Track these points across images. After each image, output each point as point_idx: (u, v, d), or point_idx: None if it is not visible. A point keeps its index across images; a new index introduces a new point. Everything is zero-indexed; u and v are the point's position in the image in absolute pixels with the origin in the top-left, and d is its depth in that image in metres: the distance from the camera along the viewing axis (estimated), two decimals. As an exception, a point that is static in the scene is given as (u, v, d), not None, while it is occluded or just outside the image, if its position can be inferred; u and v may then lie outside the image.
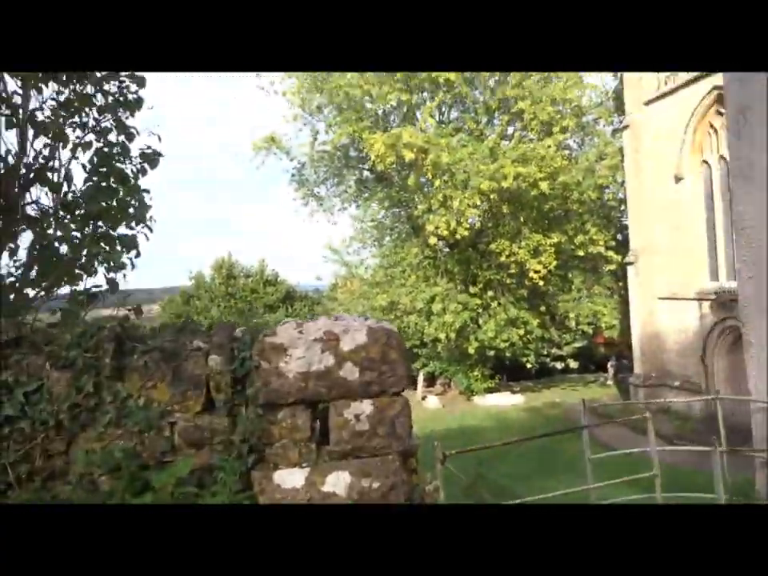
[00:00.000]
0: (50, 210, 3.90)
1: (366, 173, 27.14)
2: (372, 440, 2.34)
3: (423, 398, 26.12)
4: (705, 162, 16.68)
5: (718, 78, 15.51)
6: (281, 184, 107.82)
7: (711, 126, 16.24)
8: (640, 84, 18.55)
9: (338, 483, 2.27)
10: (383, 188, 24.75)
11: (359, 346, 2.39)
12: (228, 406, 2.28)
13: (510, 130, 23.35)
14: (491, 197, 19.45)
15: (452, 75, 20.04)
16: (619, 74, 26.74)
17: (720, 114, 15.92)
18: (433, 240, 20.78)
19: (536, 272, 20.55)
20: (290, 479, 2.25)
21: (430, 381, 32.70)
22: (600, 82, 23.82)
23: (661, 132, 17.83)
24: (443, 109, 24.28)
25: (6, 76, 3.67)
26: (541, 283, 21.47)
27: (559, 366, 25.75)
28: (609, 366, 28.61)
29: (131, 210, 4.14)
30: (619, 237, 25.07)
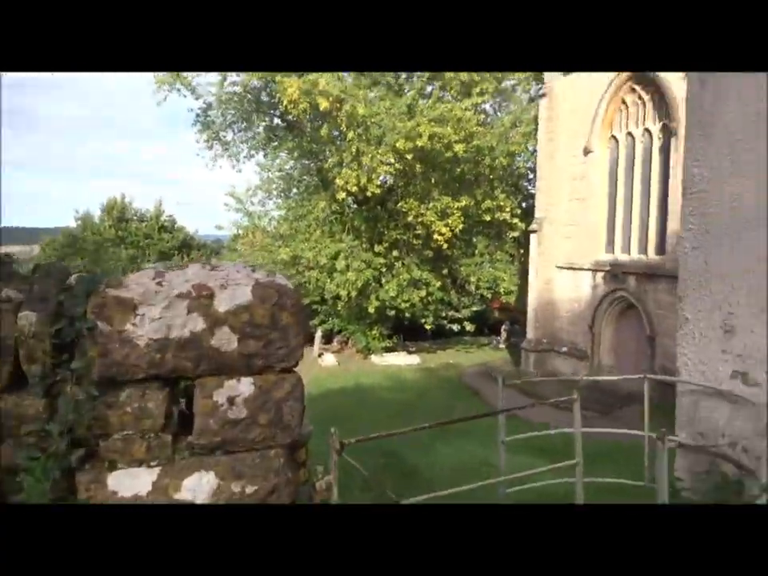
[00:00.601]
0: None
1: (276, 120, 25.71)
2: (250, 431, 1.77)
3: (320, 355, 25.74)
4: (613, 137, 17.01)
5: (632, 55, 15.73)
6: (183, 124, 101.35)
7: (623, 101, 16.51)
8: (558, 53, 18.53)
9: (198, 488, 1.69)
10: (294, 137, 23.52)
11: (240, 306, 1.80)
12: (45, 382, 1.60)
13: (429, 89, 22.80)
14: (405, 156, 18.94)
15: (373, 22, 19.08)
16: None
17: (633, 90, 16.20)
18: (341, 195, 20.06)
19: (441, 234, 20.44)
20: (132, 483, 1.63)
21: (328, 338, 32.39)
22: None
23: (576, 103, 17.98)
24: (361, 58, 23.24)
25: None
26: (445, 246, 21.43)
27: (456, 328, 26.11)
28: (502, 329, 29.49)
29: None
30: (524, 205, 25.52)
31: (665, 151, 15.37)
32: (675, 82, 14.59)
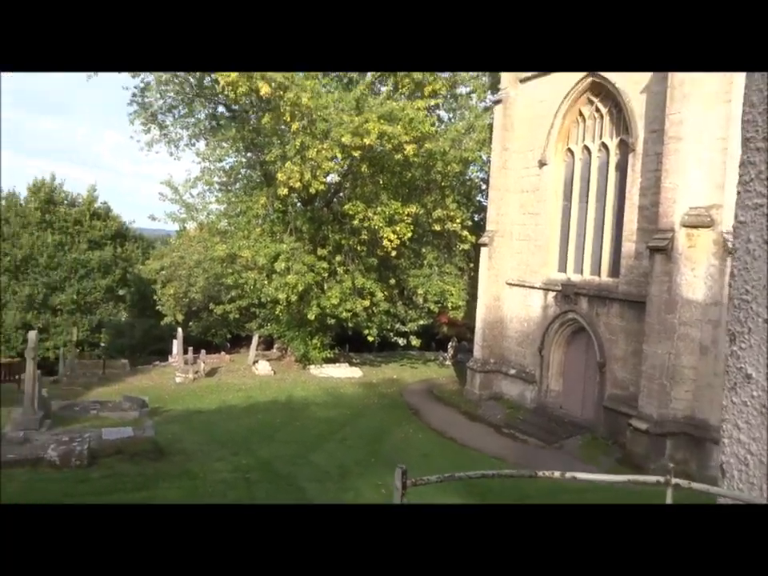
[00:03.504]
0: None
1: (220, 108, 24.16)
2: None
3: (254, 363, 24.15)
4: (569, 149, 16.18)
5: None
6: (117, 105, 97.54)
7: (581, 113, 15.70)
8: (519, 58, 17.65)
9: None
10: (236, 126, 22.00)
11: None
12: None
13: (382, 88, 21.68)
14: (353, 153, 17.70)
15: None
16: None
17: (591, 102, 15.40)
18: (284, 191, 18.65)
19: (390, 241, 19.26)
20: None
21: (269, 344, 30.77)
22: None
23: (532, 113, 17.11)
24: (313, 49, 21.94)
25: None
26: (393, 254, 20.30)
27: (402, 341, 24.99)
28: (449, 346, 28.56)
29: None
30: (476, 217, 24.65)
31: (621, 168, 14.60)
32: (634, 96, 13.85)
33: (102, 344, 31.56)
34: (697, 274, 12.22)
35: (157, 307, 27.29)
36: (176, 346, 24.62)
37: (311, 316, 20.85)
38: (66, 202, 32.96)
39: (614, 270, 14.75)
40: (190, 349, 24.22)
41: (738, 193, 1.73)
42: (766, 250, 1.66)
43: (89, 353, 29.84)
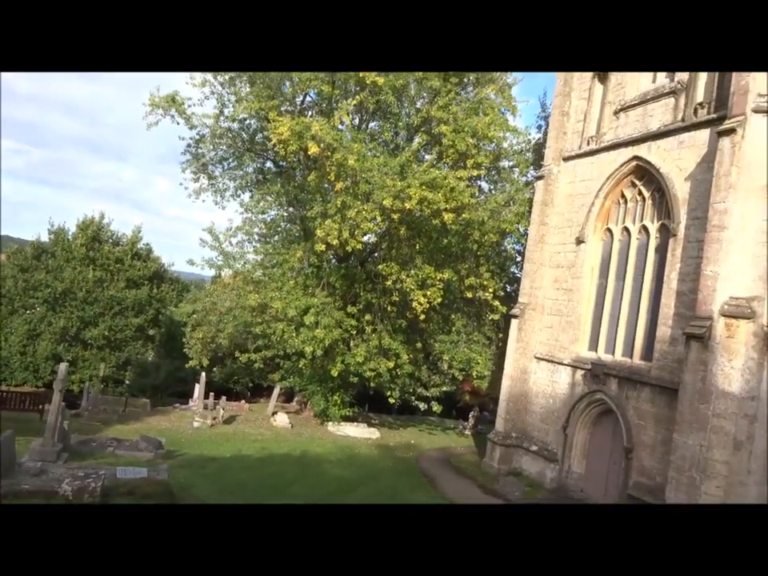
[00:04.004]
0: None
1: (268, 163, 25.04)
2: None
3: (273, 414, 23.98)
4: (608, 229, 16.21)
5: (640, 149, 15.13)
6: (172, 154, 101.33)
7: (622, 195, 15.81)
8: (564, 138, 18.02)
9: None
10: (282, 182, 22.72)
11: None
12: None
13: (426, 156, 22.27)
14: (392, 216, 18.03)
15: (380, 79, 18.58)
16: (543, 127, 26.72)
17: (634, 184, 15.52)
18: (321, 246, 18.97)
19: (420, 304, 19.28)
20: None
21: (289, 396, 30.61)
22: (524, 129, 23.40)
23: (573, 190, 17.30)
24: (363, 114, 22.78)
25: None
26: (422, 318, 20.27)
27: (422, 406, 24.64)
28: (471, 415, 27.99)
29: None
30: (508, 288, 24.62)
31: (661, 251, 14.52)
32: (678, 182, 13.93)
33: (127, 381, 31.85)
34: (734, 365, 11.87)
35: (184, 349, 27.56)
36: (198, 389, 24.68)
37: (334, 372, 20.76)
38: (110, 240, 34.08)
39: (647, 354, 14.44)
40: (212, 394, 24.24)
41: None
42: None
43: (112, 389, 30.10)
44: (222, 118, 22.25)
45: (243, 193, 24.66)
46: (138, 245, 34.56)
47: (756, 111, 12.01)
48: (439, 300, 19.72)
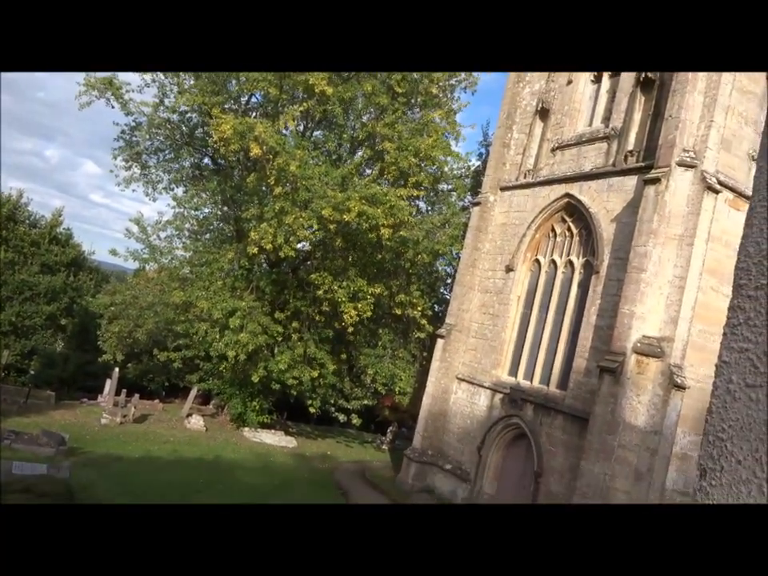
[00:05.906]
0: None
1: (206, 159, 24.47)
2: None
3: (188, 416, 23.21)
4: (537, 260, 16.84)
5: (572, 188, 15.84)
6: (104, 139, 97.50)
7: (553, 229, 16.49)
8: (502, 168, 18.61)
9: None
10: (219, 180, 22.23)
11: None
12: None
13: (368, 170, 22.42)
14: (329, 226, 18.00)
15: (329, 89, 18.58)
16: (484, 155, 27.49)
17: (564, 220, 16.21)
18: (253, 249, 18.68)
19: (350, 317, 19.28)
20: None
21: (205, 399, 29.70)
22: (465, 155, 24.00)
23: (506, 219, 17.87)
24: (308, 121, 22.70)
25: None
26: (350, 330, 20.28)
27: (342, 418, 24.52)
28: (389, 430, 28.13)
29: None
30: (437, 308, 25.02)
31: (583, 286, 15.22)
32: (605, 223, 14.67)
33: (32, 371, 29.97)
34: (641, 400, 12.56)
35: (98, 342, 26.27)
36: (109, 385, 23.52)
37: (255, 378, 20.38)
38: (27, 221, 32.17)
39: (563, 383, 15.04)
40: (124, 391, 23.18)
41: (725, 334, 1.85)
42: (746, 393, 1.77)
43: (14, 378, 28.24)
44: (161, 108, 21.59)
45: (177, 187, 23.94)
46: (57, 228, 32.77)
47: (680, 165, 12.87)
48: (369, 314, 19.80)
